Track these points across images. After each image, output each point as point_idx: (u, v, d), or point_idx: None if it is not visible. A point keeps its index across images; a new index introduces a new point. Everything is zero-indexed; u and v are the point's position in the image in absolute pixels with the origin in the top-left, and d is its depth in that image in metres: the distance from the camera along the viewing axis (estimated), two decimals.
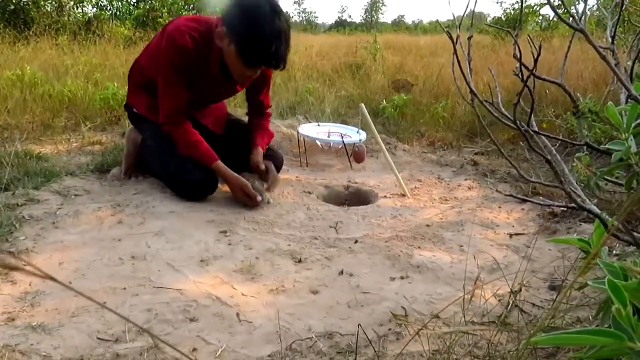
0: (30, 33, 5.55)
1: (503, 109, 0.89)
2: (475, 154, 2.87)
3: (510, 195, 1.08)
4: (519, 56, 0.78)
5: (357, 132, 2.63)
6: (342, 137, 2.53)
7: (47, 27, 5.90)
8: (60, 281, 0.37)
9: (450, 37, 0.80)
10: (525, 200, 2.02)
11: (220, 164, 2.00)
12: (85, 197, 1.98)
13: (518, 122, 0.84)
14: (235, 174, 1.98)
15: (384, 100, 3.47)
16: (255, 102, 2.25)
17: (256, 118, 2.26)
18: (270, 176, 2.07)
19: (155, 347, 1.10)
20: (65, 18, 6.85)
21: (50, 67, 3.98)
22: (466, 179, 2.43)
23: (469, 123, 3.28)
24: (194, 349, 1.11)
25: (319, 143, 2.61)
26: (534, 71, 0.76)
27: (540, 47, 0.74)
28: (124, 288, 1.36)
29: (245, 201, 1.96)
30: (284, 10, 1.84)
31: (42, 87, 3.40)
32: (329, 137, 2.59)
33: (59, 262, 1.48)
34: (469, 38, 0.90)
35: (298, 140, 2.62)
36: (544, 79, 0.86)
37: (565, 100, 3.34)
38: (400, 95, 3.39)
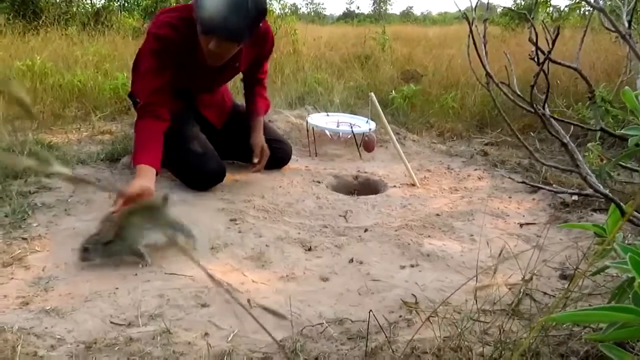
0: (40, 23, 5.57)
1: (519, 92, 0.88)
2: (485, 144, 2.85)
3: (524, 183, 1.07)
4: (535, 40, 0.77)
5: (367, 121, 2.62)
6: (351, 127, 2.52)
7: (56, 18, 5.91)
8: None
9: (467, 18, 0.80)
10: (538, 188, 2.01)
11: (141, 168, 1.72)
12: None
13: (535, 105, 0.83)
14: (138, 185, 1.64)
15: (393, 91, 3.45)
16: (251, 80, 2.27)
17: (251, 87, 2.27)
18: (263, 155, 2.12)
19: (167, 332, 1.11)
20: (75, 9, 6.87)
21: (59, 57, 3.99)
22: (476, 169, 2.41)
23: (479, 114, 3.26)
24: (206, 334, 1.12)
25: (328, 133, 2.60)
26: (549, 55, 0.75)
27: (558, 29, 0.73)
28: (135, 274, 1.37)
29: (113, 204, 1.63)
30: None
31: (53, 77, 3.42)
32: (338, 127, 2.58)
33: (71, 248, 1.49)
34: (485, 20, 0.89)
35: (307, 130, 2.62)
36: (560, 63, 0.85)
37: (576, 90, 3.31)
38: (409, 85, 3.37)
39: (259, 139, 2.14)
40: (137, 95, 2.05)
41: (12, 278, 1.31)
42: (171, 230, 1.39)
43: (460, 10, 0.83)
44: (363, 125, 2.59)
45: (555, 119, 0.86)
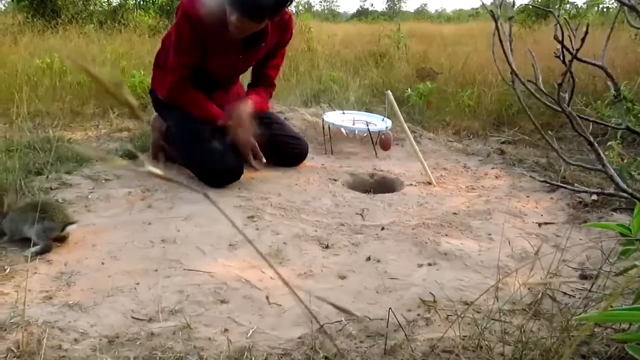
0: (59, 22, 5.64)
1: (544, 90, 0.87)
2: (502, 142, 2.83)
3: (545, 182, 1.06)
4: (560, 38, 0.77)
5: (383, 119, 2.61)
6: (367, 125, 2.52)
7: (74, 16, 5.98)
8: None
9: (493, 16, 0.79)
10: (556, 188, 1.99)
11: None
12: (115, 181, 2.02)
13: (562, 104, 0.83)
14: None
15: (409, 89, 3.44)
16: (260, 74, 2.27)
17: (255, 84, 2.28)
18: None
19: (188, 327, 1.12)
20: (92, 7, 6.94)
21: (78, 55, 4.04)
22: (493, 168, 2.39)
23: (495, 112, 3.23)
24: (226, 330, 1.13)
25: (343, 131, 2.60)
26: (576, 54, 0.75)
27: (587, 27, 0.73)
28: (156, 270, 1.39)
29: (247, 159, 2.06)
30: None
31: (71, 75, 3.46)
32: (353, 125, 2.58)
33: (92, 244, 1.52)
34: (510, 19, 0.88)
35: (323, 128, 2.62)
36: (587, 62, 0.84)
37: (595, 89, 3.26)
38: (425, 83, 3.35)
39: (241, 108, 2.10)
40: (159, 88, 2.07)
41: (35, 272, 1.34)
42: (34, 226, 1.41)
43: (486, 7, 0.83)
44: (379, 123, 2.59)
45: (582, 117, 0.85)
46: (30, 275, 1.32)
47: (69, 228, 1.49)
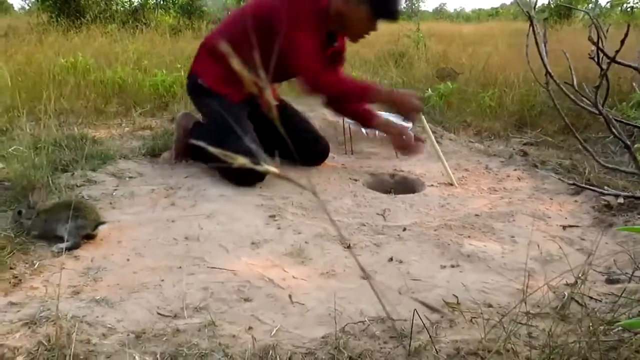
0: (83, 22, 5.73)
1: (581, 93, 0.86)
2: (524, 144, 2.80)
3: (574, 184, 1.04)
4: (595, 40, 0.76)
5: (404, 119, 2.59)
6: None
7: (97, 16, 6.08)
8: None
9: (529, 17, 0.78)
10: (580, 190, 1.96)
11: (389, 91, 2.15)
12: (138, 179, 2.05)
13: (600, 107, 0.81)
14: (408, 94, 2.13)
15: (429, 89, 3.42)
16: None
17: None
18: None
19: (212, 324, 1.13)
20: (114, 7, 7.04)
21: (101, 54, 4.10)
22: (515, 170, 2.37)
23: (517, 113, 3.19)
24: (250, 328, 1.14)
25: (364, 131, 2.59)
26: (615, 57, 0.73)
27: (628, 28, 0.71)
28: (180, 267, 1.40)
29: (405, 149, 2.18)
30: None
31: (95, 73, 3.52)
32: None
33: (117, 240, 1.54)
34: (545, 20, 0.87)
35: (343, 128, 2.62)
36: (623, 64, 0.83)
37: (620, 90, 3.20)
38: (446, 84, 3.33)
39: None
40: (298, 66, 2.02)
41: (63, 268, 1.36)
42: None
43: (522, 8, 0.82)
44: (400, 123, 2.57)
45: (620, 120, 0.84)
46: (59, 271, 1.35)
47: (101, 227, 1.53)
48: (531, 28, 0.79)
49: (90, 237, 1.52)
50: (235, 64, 0.41)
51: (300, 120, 2.37)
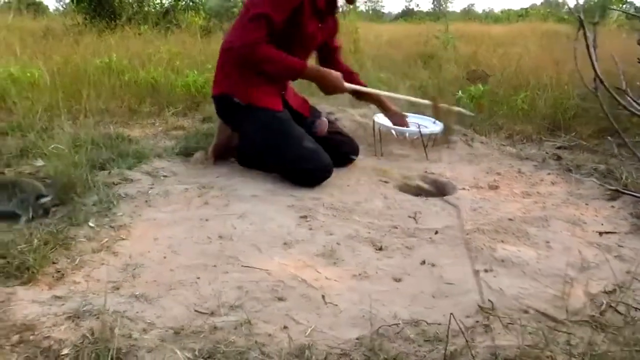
0: (118, 23, 5.87)
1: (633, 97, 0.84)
2: (558, 147, 2.75)
3: (617, 190, 1.02)
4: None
5: (434, 122, 2.58)
6: (418, 127, 2.50)
7: (131, 18, 6.21)
8: None
9: (580, 21, 0.77)
10: (617, 195, 1.92)
11: (311, 67, 2.10)
12: (172, 178, 2.09)
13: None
14: (331, 71, 2.13)
15: (459, 91, 3.38)
16: (331, 49, 2.36)
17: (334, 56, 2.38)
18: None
19: (248, 323, 1.15)
20: (146, 8, 7.18)
21: (134, 55, 4.19)
22: (549, 174, 2.33)
23: (550, 116, 3.13)
24: (285, 327, 1.15)
25: (394, 132, 2.59)
26: None
27: None
28: (215, 265, 1.43)
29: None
30: None
31: (129, 74, 3.60)
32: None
33: (153, 238, 1.58)
34: (595, 23, 0.86)
35: (373, 130, 2.62)
36: None
37: None
38: (477, 86, 3.29)
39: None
40: (239, 32, 2.03)
41: (103, 264, 1.40)
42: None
43: (572, 12, 0.81)
44: (430, 125, 2.56)
45: None
46: (99, 266, 1.39)
47: (43, 200, 1.66)
48: (581, 32, 0.78)
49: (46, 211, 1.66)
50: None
51: (329, 121, 2.38)
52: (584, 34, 0.79)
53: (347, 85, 2.16)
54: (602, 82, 0.82)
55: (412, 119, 2.67)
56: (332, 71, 2.13)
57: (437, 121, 2.58)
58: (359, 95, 2.39)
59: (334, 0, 2.16)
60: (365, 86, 2.37)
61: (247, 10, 2.04)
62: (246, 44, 1.98)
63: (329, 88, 2.15)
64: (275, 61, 2.03)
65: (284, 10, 1.98)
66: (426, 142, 2.52)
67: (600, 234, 1.72)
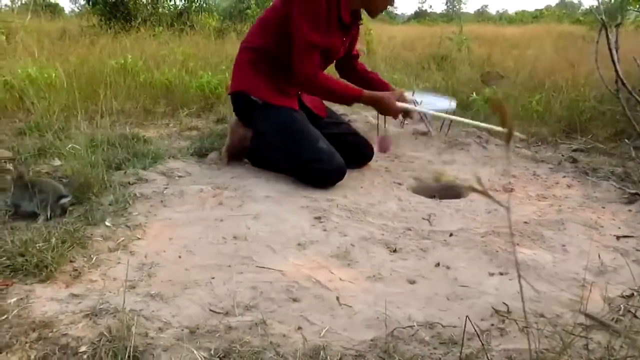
0: (132, 25, 5.93)
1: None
2: (574, 150, 2.72)
3: (635, 194, 1.01)
4: None
5: (450, 102, 2.46)
6: (425, 116, 2.46)
7: (146, 19, 6.27)
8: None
9: (603, 23, 0.76)
10: (634, 200, 1.89)
11: (366, 94, 2.12)
12: (187, 178, 2.11)
13: None
14: (383, 94, 2.15)
15: (474, 93, 3.36)
16: (352, 58, 2.39)
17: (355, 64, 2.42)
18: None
19: (263, 323, 1.15)
20: (160, 10, 7.25)
21: (149, 56, 4.23)
22: (565, 177, 2.30)
23: (566, 118, 3.10)
24: (299, 328, 1.15)
25: (417, 114, 2.47)
26: None
27: None
28: (229, 265, 1.43)
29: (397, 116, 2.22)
30: None
31: (143, 75, 3.63)
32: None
33: (169, 237, 1.59)
34: (617, 25, 0.85)
35: (386, 131, 2.61)
36: None
37: None
38: (492, 88, 3.27)
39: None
40: (292, 60, 2.05)
41: (119, 263, 1.42)
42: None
43: (595, 14, 0.80)
44: (444, 103, 2.45)
45: None
46: (115, 265, 1.40)
47: (63, 200, 1.69)
48: (602, 33, 0.77)
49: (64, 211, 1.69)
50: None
51: (343, 122, 2.39)
52: (607, 35, 0.78)
53: (399, 105, 2.15)
54: (624, 83, 0.81)
55: (429, 99, 2.55)
56: (385, 94, 2.14)
57: (453, 101, 2.47)
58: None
59: (358, 12, 2.16)
60: (390, 89, 2.32)
61: (275, 11, 2.10)
62: (303, 75, 2.06)
63: (383, 112, 2.20)
64: (333, 91, 2.11)
65: (319, 27, 2.01)
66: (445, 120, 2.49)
67: (618, 237, 1.70)
